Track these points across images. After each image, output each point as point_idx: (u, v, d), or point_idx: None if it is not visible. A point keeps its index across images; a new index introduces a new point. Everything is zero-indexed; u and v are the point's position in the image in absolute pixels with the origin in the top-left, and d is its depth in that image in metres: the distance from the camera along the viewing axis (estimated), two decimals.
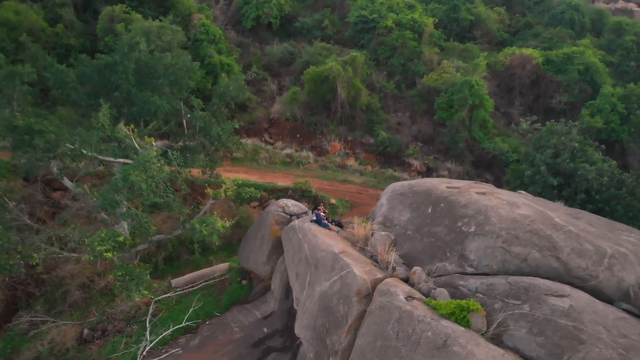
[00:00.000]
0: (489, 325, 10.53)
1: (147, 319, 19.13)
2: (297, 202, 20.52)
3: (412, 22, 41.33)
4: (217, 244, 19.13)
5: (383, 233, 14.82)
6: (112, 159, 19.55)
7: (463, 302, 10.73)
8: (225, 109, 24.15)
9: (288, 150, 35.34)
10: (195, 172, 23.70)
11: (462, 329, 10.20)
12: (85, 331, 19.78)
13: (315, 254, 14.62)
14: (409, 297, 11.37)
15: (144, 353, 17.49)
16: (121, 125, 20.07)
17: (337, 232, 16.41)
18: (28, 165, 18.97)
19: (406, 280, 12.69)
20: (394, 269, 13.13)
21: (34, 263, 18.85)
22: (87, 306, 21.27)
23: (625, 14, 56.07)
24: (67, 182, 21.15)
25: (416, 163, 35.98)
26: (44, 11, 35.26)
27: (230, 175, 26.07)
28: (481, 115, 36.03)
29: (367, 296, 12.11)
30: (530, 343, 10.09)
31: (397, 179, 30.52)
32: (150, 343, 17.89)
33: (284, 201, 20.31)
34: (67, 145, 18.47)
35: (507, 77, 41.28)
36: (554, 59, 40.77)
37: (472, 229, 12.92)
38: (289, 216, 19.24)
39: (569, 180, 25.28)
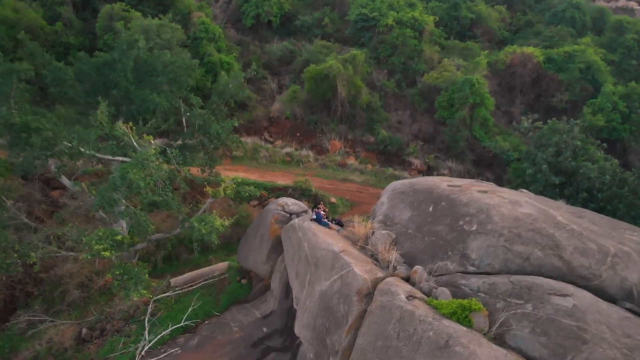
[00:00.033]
0: (492, 325, 10.40)
1: (146, 319, 19.02)
2: (297, 201, 20.43)
3: (412, 21, 41.20)
4: (216, 242, 19.02)
5: (384, 232, 14.69)
6: (110, 157, 19.42)
7: (465, 301, 10.59)
8: (224, 107, 24.05)
9: (288, 149, 35.25)
10: (195, 170, 23.60)
11: (464, 328, 10.07)
12: (84, 331, 19.67)
13: (315, 253, 14.49)
14: (410, 297, 11.24)
15: (143, 353, 17.40)
16: (119, 123, 19.93)
17: (338, 230, 16.29)
18: (25, 163, 18.83)
19: (407, 280, 12.55)
20: (394, 268, 13.01)
21: (31, 262, 18.72)
22: (86, 305, 21.17)
23: (626, 12, 55.93)
24: (65, 180, 21.02)
25: (417, 162, 35.87)
26: (43, 9, 35.22)
27: (230, 174, 25.96)
28: (482, 114, 35.91)
29: (368, 295, 11.99)
30: (533, 343, 9.97)
31: (397, 178, 30.42)
32: (149, 343, 17.79)
33: (284, 200, 20.20)
34: (65, 143, 18.34)
35: (508, 76, 41.18)
36: (555, 57, 40.64)
37: (474, 228, 12.79)
38: (288, 215, 19.14)
39: (571, 178, 25.19)
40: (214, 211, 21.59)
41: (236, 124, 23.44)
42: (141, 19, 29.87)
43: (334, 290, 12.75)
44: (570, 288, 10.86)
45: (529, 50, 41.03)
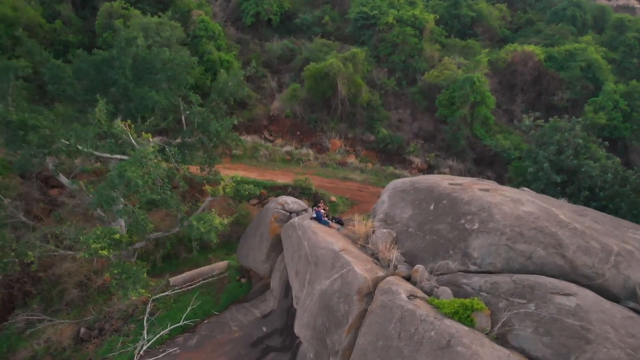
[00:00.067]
0: (494, 325, 10.29)
1: (145, 318, 18.92)
2: (296, 200, 20.31)
3: (413, 19, 41.06)
4: (215, 241, 18.93)
5: (384, 230, 14.56)
6: (108, 155, 19.30)
7: (467, 301, 10.48)
8: (224, 105, 23.94)
9: (288, 148, 35.13)
10: (194, 169, 23.47)
11: (466, 328, 9.95)
12: (82, 330, 19.55)
13: (315, 252, 14.36)
14: (411, 296, 11.11)
15: (141, 352, 17.29)
16: (118, 121, 19.80)
17: (338, 229, 16.16)
18: (23, 161, 18.71)
19: (408, 279, 12.43)
20: (395, 267, 12.88)
21: (29, 261, 18.60)
22: (84, 305, 21.05)
23: (627, 10, 55.74)
24: (63, 178, 20.90)
25: (417, 160, 35.74)
26: (42, 7, 35.17)
27: (230, 173, 25.83)
28: (483, 112, 35.78)
29: (368, 295, 11.87)
30: (536, 343, 9.85)
31: (398, 177, 30.27)
32: (148, 342, 17.70)
33: (284, 198, 20.07)
34: (63, 141, 18.22)
35: (509, 74, 41.01)
36: (556, 55, 40.49)
37: (476, 226, 12.67)
38: (288, 213, 19.01)
39: (573, 177, 25.05)
40: (213, 210, 21.49)
41: (236, 122, 23.37)
42: (140, 17, 29.75)
43: (334, 290, 12.63)
44: (573, 287, 10.74)
45: (529, 48, 40.86)
